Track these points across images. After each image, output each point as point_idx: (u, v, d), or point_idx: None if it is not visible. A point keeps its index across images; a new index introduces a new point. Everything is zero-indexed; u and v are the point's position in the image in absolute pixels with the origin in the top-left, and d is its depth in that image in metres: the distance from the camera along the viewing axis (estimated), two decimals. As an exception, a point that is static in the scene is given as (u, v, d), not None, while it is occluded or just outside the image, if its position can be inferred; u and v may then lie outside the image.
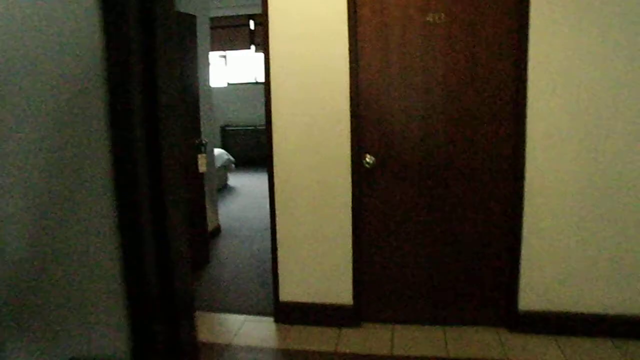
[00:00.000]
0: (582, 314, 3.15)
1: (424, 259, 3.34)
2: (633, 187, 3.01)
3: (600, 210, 3.06)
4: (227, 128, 10.27)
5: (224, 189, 8.10)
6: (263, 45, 3.24)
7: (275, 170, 3.34)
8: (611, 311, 3.12)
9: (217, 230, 5.63)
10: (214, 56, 10.28)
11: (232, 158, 8.31)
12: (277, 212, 3.39)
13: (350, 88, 3.17)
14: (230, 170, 8.41)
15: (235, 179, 8.73)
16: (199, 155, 4.32)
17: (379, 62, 3.17)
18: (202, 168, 4.36)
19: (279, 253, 3.44)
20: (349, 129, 3.21)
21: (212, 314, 3.72)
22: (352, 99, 3.18)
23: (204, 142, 4.41)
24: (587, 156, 3.02)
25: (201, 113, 4.65)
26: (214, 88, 10.16)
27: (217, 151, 7.71)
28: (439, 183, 3.24)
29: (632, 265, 3.07)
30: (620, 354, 2.96)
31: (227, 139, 10.21)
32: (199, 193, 4.48)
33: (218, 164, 7.39)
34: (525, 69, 2.99)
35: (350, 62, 3.15)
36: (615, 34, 2.89)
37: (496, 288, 3.30)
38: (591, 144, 3.00)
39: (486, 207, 3.22)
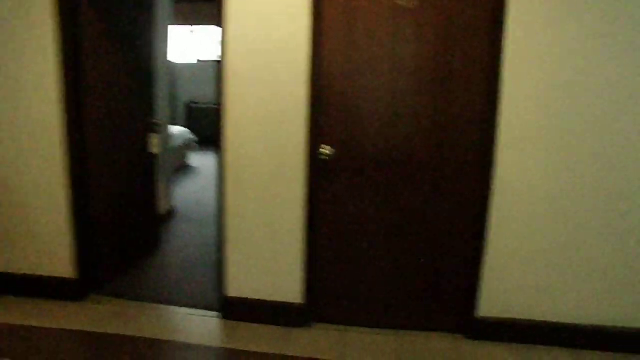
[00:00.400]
0: (543, 322, 3.03)
1: (381, 260, 3.15)
2: (605, 193, 2.86)
3: (570, 217, 2.91)
4: (193, 105, 9.90)
5: (184, 169, 7.78)
6: (219, 21, 2.96)
7: (225, 156, 3.08)
8: (572, 321, 3.01)
9: (171, 214, 5.36)
10: (183, 32, 9.87)
11: (194, 137, 7.99)
12: (225, 202, 3.15)
13: (310, 73, 2.92)
14: (193, 150, 8.08)
15: (197, 159, 8.41)
16: (151, 135, 4.02)
17: (344, 46, 2.93)
18: (153, 149, 4.08)
19: (227, 247, 3.21)
20: (306, 117, 2.97)
21: (155, 305, 3.47)
22: (311, 84, 2.94)
23: (157, 121, 4.11)
24: (562, 159, 2.85)
25: (159, 90, 4.35)
26: (181, 64, 9.85)
27: (178, 129, 7.38)
28: (402, 180, 3.04)
29: (599, 275, 2.94)
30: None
31: (193, 116, 9.85)
32: (148, 174, 4.19)
33: (178, 142, 7.08)
34: (499, 60, 2.79)
35: (312, 45, 2.90)
36: (596, 30, 2.71)
37: (455, 293, 3.14)
38: (566, 146, 2.84)
39: (450, 207, 3.04)
